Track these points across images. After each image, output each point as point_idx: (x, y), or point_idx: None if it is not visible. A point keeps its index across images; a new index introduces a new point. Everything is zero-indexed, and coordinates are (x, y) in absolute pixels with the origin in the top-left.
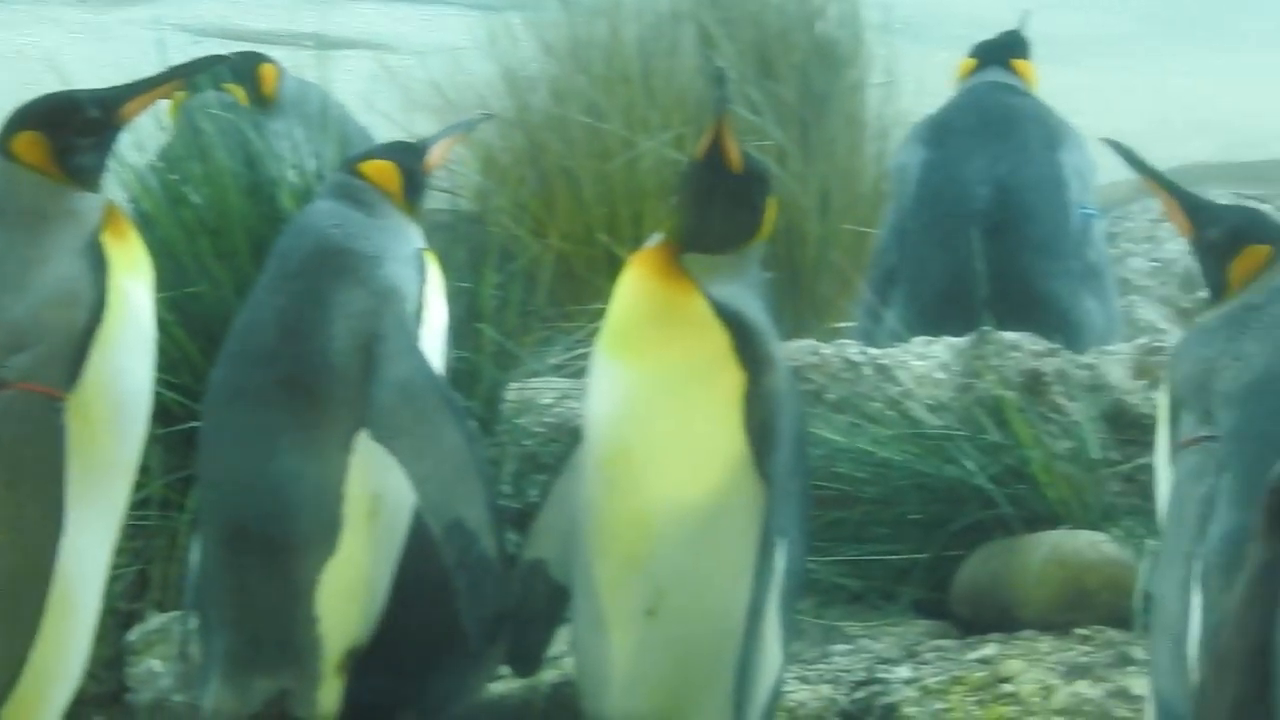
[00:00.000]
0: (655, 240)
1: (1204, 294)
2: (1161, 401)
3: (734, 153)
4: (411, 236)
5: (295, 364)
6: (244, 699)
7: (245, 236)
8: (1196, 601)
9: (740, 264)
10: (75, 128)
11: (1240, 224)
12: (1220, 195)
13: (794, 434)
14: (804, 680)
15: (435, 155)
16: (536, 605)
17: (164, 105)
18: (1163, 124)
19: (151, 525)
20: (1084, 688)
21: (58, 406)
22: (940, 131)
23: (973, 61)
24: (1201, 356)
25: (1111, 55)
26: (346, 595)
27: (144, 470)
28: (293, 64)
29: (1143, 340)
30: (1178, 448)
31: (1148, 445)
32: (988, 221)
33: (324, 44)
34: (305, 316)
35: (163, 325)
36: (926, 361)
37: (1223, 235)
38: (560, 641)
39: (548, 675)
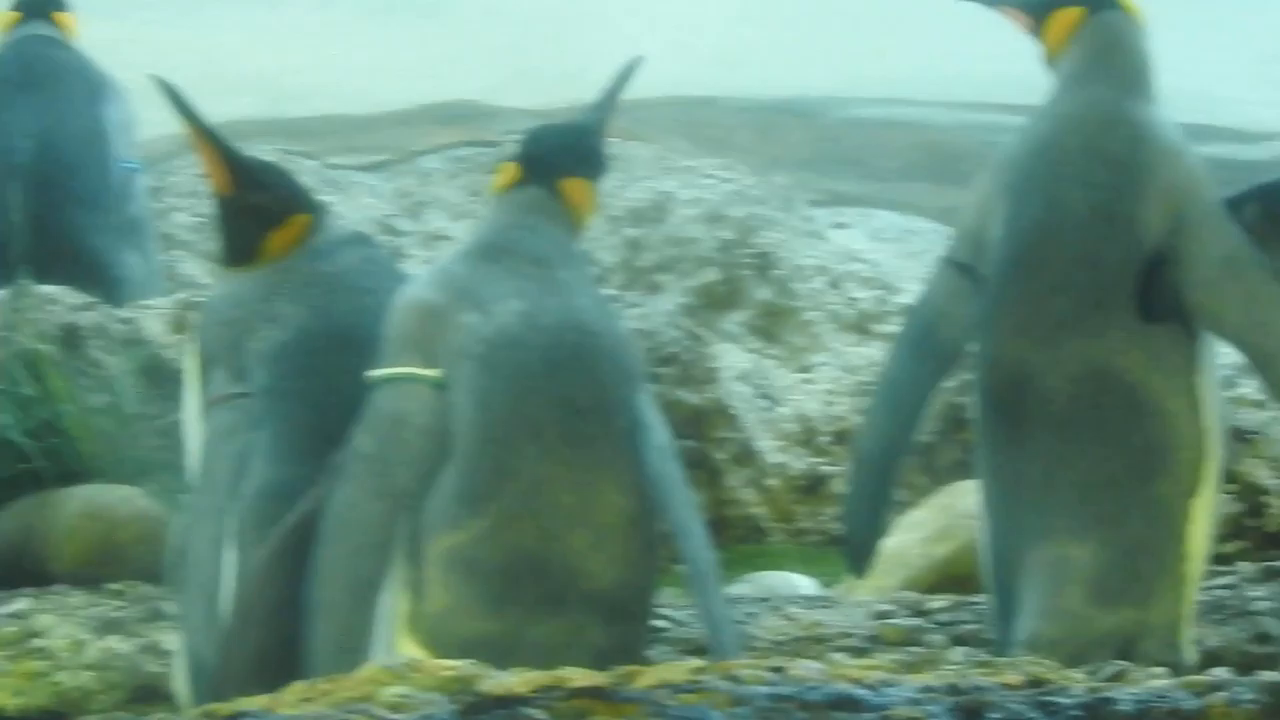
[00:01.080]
0: None
1: None
2: (192, 357)
3: None
4: None
5: None
6: None
7: None
8: (229, 557)
9: None
10: None
11: (278, 193)
12: (267, 151)
13: None
14: None
15: None
16: None
17: None
18: (209, 79)
19: None
20: (115, 643)
21: None
22: None
23: (16, 15)
24: (234, 315)
25: (158, 8)
26: None
27: None
28: None
29: (181, 295)
30: (210, 404)
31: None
32: (28, 174)
33: None
34: None
35: None
36: None
37: (267, 200)
38: None
39: None
